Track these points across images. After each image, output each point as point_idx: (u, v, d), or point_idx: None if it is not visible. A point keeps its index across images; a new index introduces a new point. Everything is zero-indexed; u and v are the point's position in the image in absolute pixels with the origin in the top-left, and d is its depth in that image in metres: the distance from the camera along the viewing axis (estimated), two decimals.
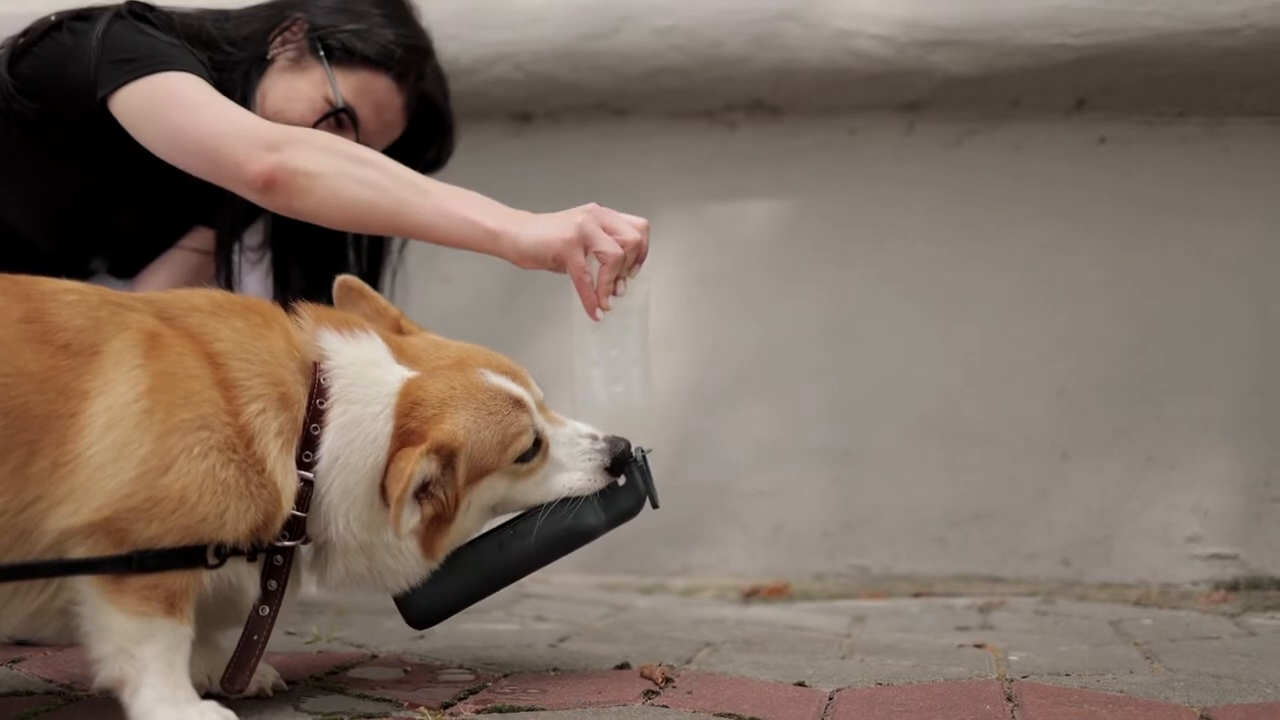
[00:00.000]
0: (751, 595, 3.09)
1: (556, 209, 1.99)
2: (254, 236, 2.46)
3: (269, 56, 2.32)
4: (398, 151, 2.38)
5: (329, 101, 2.31)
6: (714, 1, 3.16)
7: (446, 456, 1.72)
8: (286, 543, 1.69)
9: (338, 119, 2.32)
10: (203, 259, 2.46)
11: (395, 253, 2.57)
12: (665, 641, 2.35)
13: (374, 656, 2.14)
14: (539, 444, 1.82)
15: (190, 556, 1.59)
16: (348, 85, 2.32)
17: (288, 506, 1.67)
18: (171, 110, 2.06)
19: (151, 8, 2.25)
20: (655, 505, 1.91)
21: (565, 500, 1.84)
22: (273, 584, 1.71)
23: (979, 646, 2.32)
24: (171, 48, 2.15)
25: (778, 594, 3.08)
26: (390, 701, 1.82)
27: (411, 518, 1.71)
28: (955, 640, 2.40)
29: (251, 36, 2.32)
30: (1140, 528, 3.14)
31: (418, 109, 2.42)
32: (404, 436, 1.72)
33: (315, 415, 1.70)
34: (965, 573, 3.18)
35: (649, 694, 1.87)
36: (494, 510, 1.86)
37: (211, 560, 1.61)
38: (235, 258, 2.40)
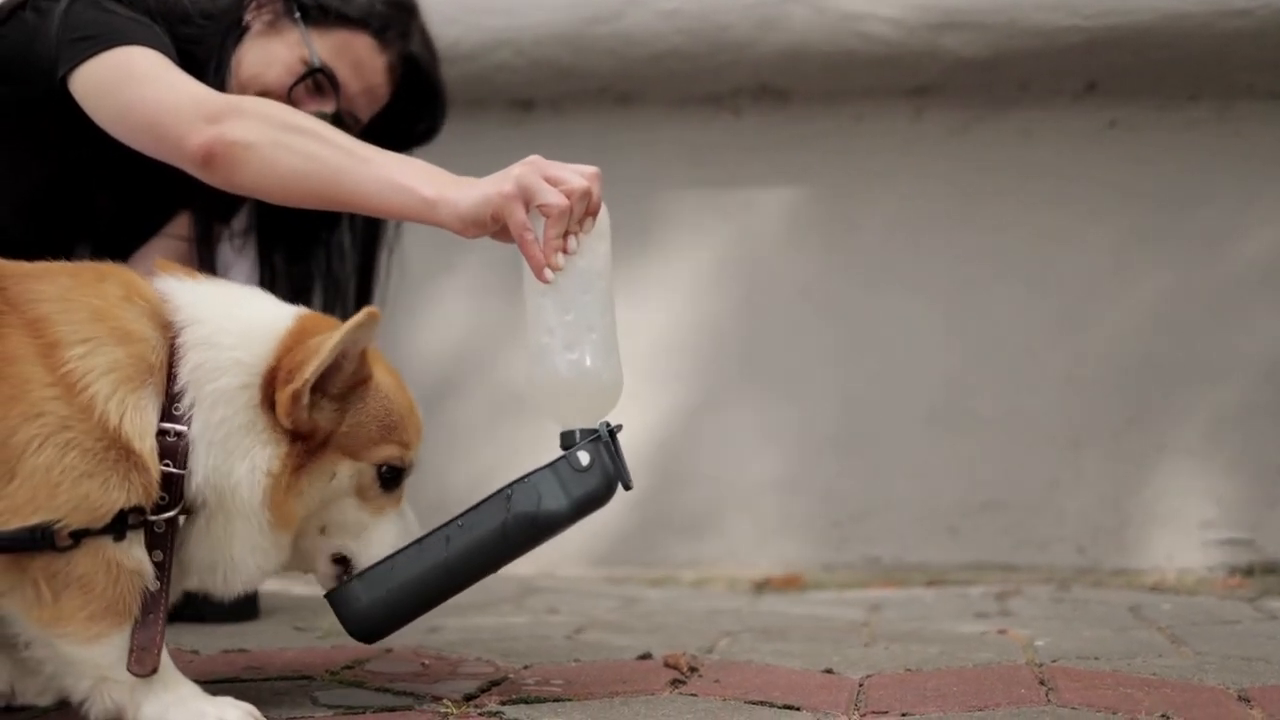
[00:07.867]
0: (762, 586, 3.05)
1: None
2: (241, 221, 2.37)
3: (244, 23, 2.23)
4: (386, 122, 2.30)
5: (305, 63, 2.21)
6: None
7: (360, 380, 1.60)
8: (164, 513, 1.51)
9: (315, 81, 2.22)
10: (191, 247, 2.36)
11: (392, 231, 2.44)
12: (683, 632, 2.31)
13: (389, 650, 2.09)
14: (400, 477, 1.68)
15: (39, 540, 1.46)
16: (325, 45, 2.22)
17: (144, 447, 1.50)
18: (123, 86, 1.94)
19: None
20: (628, 487, 1.68)
21: (518, 483, 1.64)
22: (158, 554, 1.53)
23: (1001, 632, 2.28)
24: (131, 23, 2.05)
25: (789, 585, 3.04)
26: (412, 694, 1.77)
27: (302, 407, 1.55)
28: (976, 627, 2.36)
29: (228, 9, 2.23)
30: (1154, 514, 3.11)
31: (403, 72, 2.31)
32: (301, 337, 1.57)
33: (171, 352, 1.53)
34: (978, 561, 3.14)
35: (675, 683, 1.82)
36: (318, 526, 1.66)
37: (63, 542, 1.46)
38: (218, 244, 2.30)
